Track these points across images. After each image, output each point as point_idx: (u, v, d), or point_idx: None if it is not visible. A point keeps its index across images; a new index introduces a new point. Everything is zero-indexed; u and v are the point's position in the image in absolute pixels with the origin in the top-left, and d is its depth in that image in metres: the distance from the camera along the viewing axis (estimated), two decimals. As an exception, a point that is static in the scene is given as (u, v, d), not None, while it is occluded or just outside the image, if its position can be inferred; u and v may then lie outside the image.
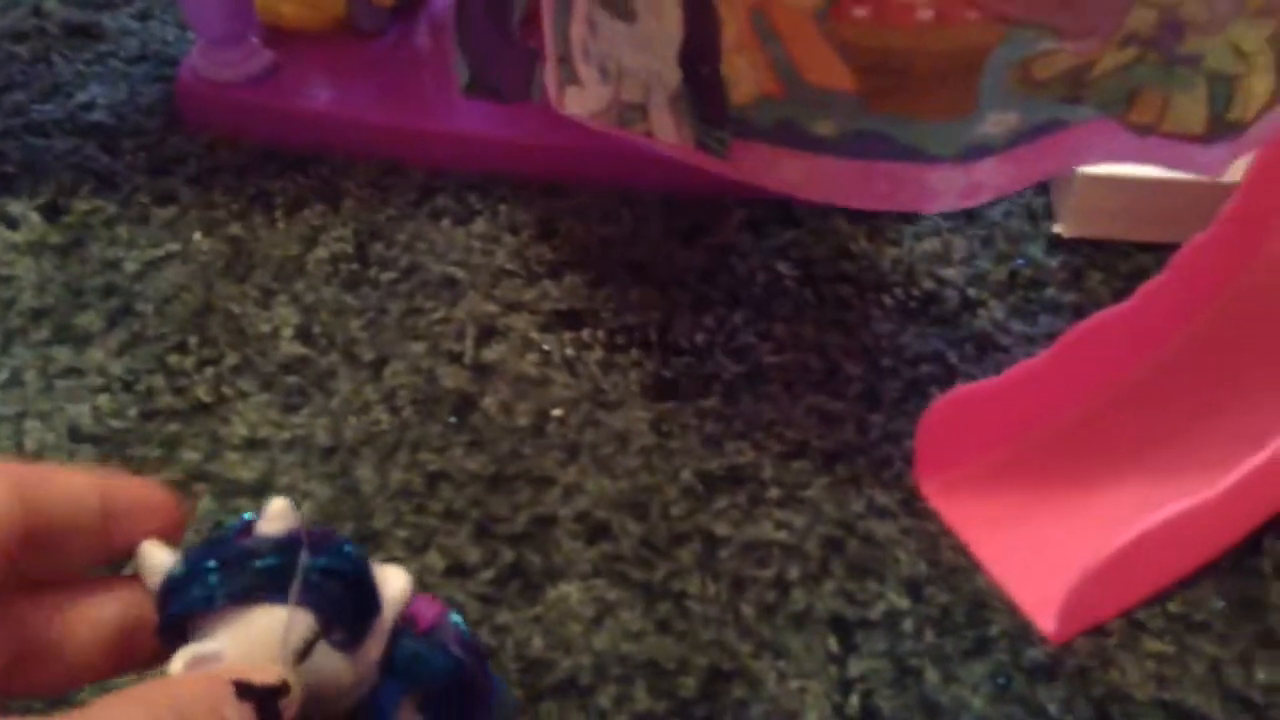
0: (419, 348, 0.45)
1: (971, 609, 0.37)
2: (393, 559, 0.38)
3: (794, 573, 0.38)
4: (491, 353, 0.45)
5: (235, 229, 0.50)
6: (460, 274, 0.48)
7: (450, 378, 0.44)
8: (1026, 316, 0.46)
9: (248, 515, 0.26)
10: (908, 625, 0.37)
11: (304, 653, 0.24)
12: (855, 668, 0.36)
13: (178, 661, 0.23)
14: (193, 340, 0.45)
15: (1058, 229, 0.48)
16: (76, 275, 0.48)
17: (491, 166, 0.51)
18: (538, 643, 0.36)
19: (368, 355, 0.45)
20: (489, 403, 0.43)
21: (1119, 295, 0.43)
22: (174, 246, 0.49)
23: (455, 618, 0.28)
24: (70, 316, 0.46)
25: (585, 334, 0.46)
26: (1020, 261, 0.48)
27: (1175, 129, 0.34)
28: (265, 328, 0.46)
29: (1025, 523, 0.38)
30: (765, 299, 0.47)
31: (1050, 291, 0.47)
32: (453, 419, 0.43)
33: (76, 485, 0.25)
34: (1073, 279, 0.47)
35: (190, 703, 0.22)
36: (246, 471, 0.41)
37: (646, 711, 0.35)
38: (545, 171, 0.51)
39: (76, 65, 0.58)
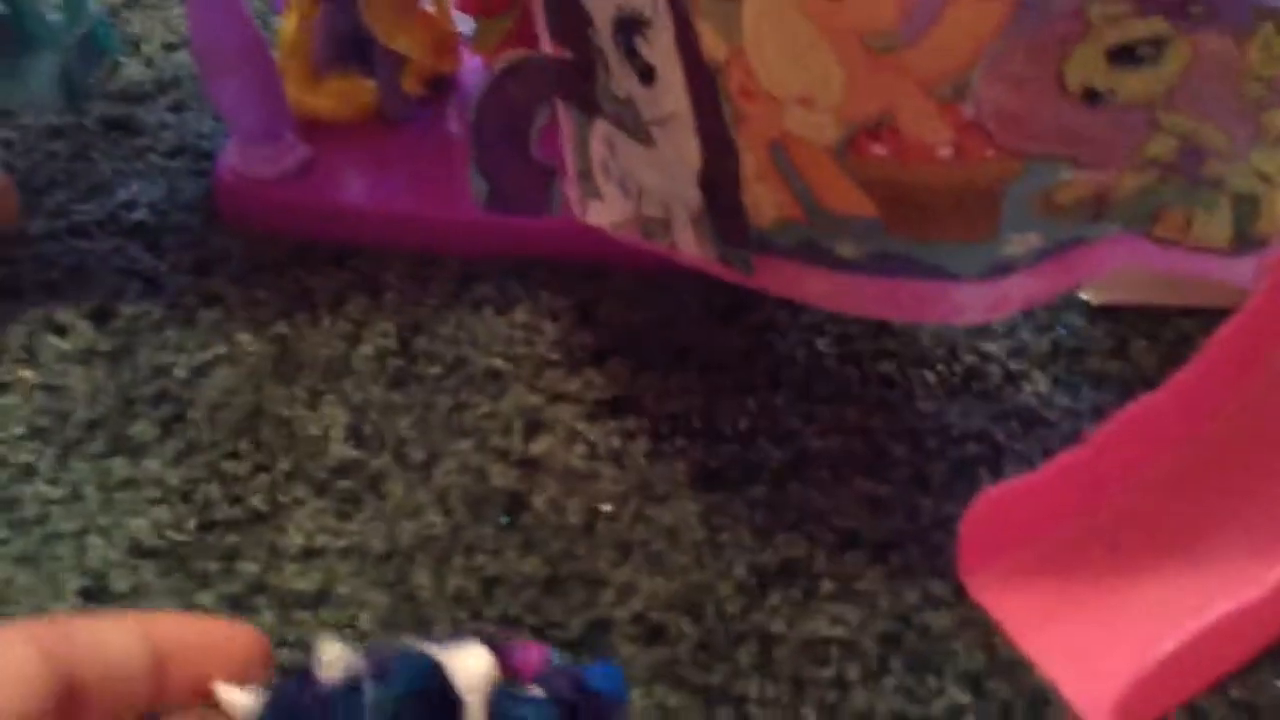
0: (467, 445, 0.45)
1: (1032, 704, 0.37)
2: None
3: (853, 672, 0.38)
4: (538, 446, 0.45)
5: (280, 328, 0.50)
6: (504, 365, 0.48)
7: (500, 475, 0.44)
8: (1071, 389, 0.46)
9: (309, 663, 0.25)
10: (969, 723, 0.37)
11: None
12: (918, 767, 0.36)
13: None
14: (245, 446, 0.46)
15: (1086, 296, 0.48)
16: (128, 383, 0.48)
17: (528, 252, 0.52)
18: (602, 754, 0.37)
19: (418, 455, 0.45)
20: (539, 501, 0.44)
21: (1164, 363, 0.44)
22: (221, 349, 0.49)
23: (556, 657, 0.27)
24: (124, 426, 0.47)
25: (630, 423, 0.46)
26: (1062, 330, 0.48)
27: (1200, 244, 0.34)
28: (315, 430, 0.46)
29: (1072, 618, 0.38)
30: (806, 379, 0.47)
31: (1093, 361, 0.47)
32: (505, 519, 0.43)
33: (118, 633, 0.24)
34: (1117, 348, 0.47)
35: None
36: (305, 583, 0.42)
37: (713, 821, 0.35)
38: (583, 254, 0.51)
39: (115, 162, 0.59)
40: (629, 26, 0.34)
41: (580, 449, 0.45)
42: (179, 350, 0.50)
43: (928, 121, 0.31)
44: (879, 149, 0.31)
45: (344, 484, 0.45)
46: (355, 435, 0.46)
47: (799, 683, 0.38)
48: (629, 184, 0.38)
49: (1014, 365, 0.47)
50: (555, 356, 0.48)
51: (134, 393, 0.48)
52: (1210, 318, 0.42)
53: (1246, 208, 0.33)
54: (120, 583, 0.41)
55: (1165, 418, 0.41)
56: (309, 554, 0.42)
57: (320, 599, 0.41)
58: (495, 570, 0.42)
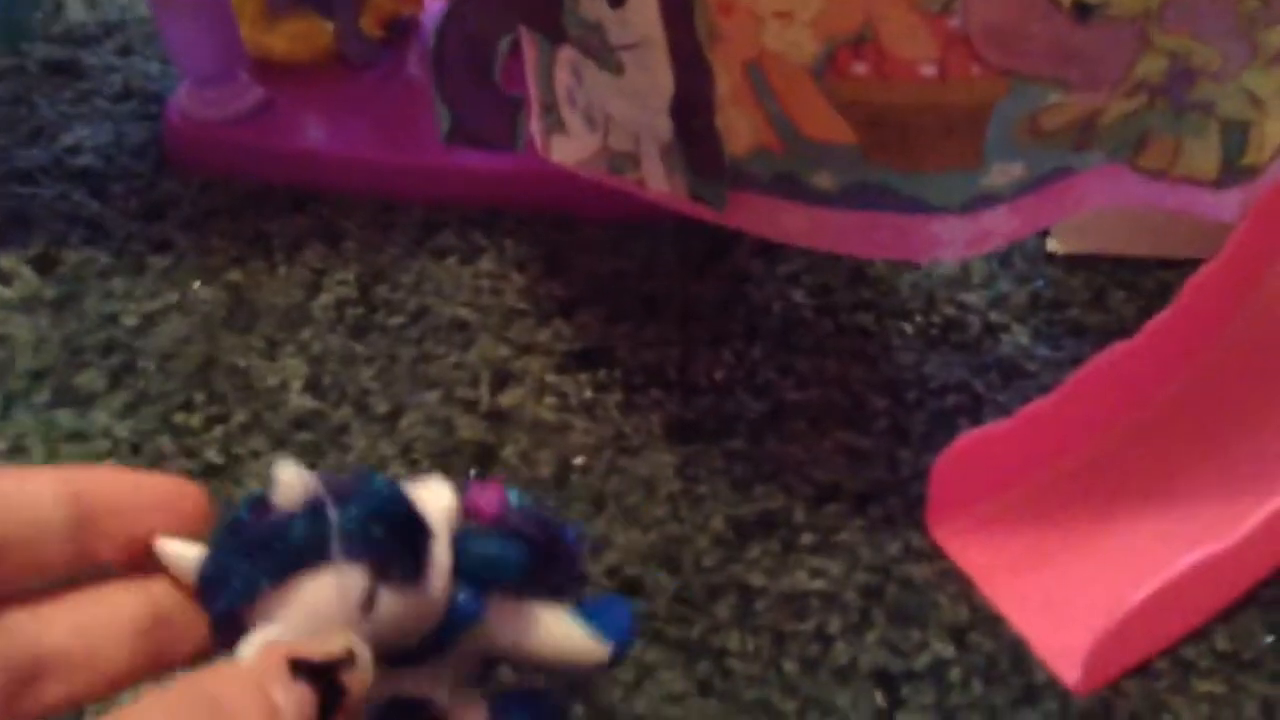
0: (433, 397, 0.44)
1: (1016, 656, 0.36)
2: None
3: (835, 624, 0.37)
4: (507, 398, 0.44)
5: (235, 275, 0.48)
6: (470, 316, 0.47)
7: (467, 428, 0.43)
8: (1051, 340, 0.45)
9: (257, 490, 0.24)
10: (954, 675, 0.36)
11: (368, 606, 0.23)
12: (902, 721, 0.35)
13: (244, 653, 0.22)
14: (199, 397, 0.44)
15: (1052, 247, 0.47)
16: (74, 332, 0.46)
17: (494, 200, 0.50)
18: (577, 710, 0.35)
19: (381, 407, 0.44)
20: (509, 453, 0.42)
21: (1143, 313, 0.43)
22: (172, 297, 0.47)
23: (515, 497, 0.27)
24: (70, 376, 0.45)
25: (603, 375, 0.45)
26: (1041, 282, 0.47)
27: (1186, 174, 0.33)
28: (273, 381, 0.44)
29: (1042, 568, 0.37)
30: (783, 330, 0.46)
31: (1073, 312, 0.46)
32: (473, 472, 0.42)
33: (27, 487, 0.22)
34: (1097, 298, 0.46)
35: (232, 692, 0.20)
36: (264, 537, 0.40)
37: (692, 777, 0.34)
38: (551, 203, 0.50)
39: (60, 106, 0.56)
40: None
41: (551, 400, 0.44)
42: (127, 298, 0.47)
43: (912, 35, 0.29)
44: (860, 67, 0.30)
45: (304, 436, 0.43)
46: (315, 386, 0.44)
47: (780, 636, 0.37)
48: (595, 115, 0.36)
49: (993, 316, 0.46)
50: (523, 306, 0.47)
51: (80, 342, 0.46)
52: (1190, 268, 0.41)
53: (1235, 135, 0.32)
54: (68, 538, 0.39)
55: (1139, 366, 0.40)
56: (268, 508, 0.41)
57: (280, 554, 0.39)
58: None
